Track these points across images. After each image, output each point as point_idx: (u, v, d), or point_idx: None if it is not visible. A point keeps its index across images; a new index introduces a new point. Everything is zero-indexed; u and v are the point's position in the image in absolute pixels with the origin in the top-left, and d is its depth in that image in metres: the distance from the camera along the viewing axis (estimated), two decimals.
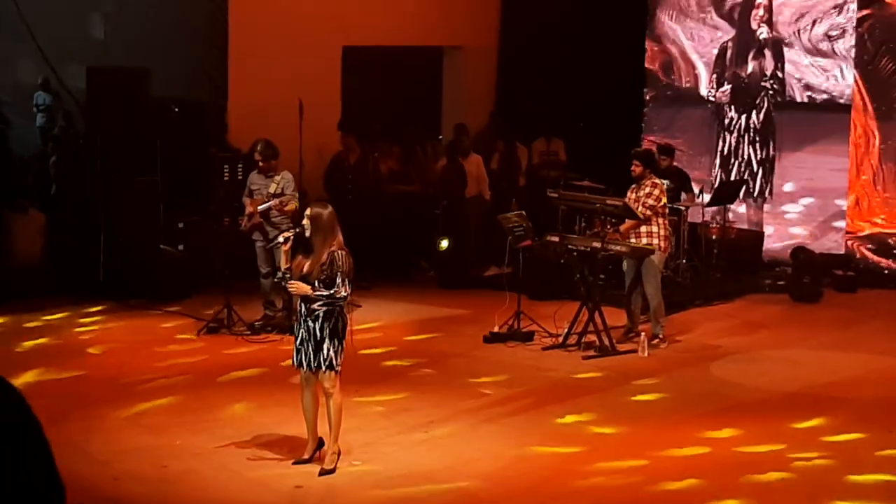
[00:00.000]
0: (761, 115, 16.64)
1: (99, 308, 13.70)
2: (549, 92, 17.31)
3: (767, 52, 16.52)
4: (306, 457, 9.06)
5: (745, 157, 16.74)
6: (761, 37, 16.52)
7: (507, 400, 10.82)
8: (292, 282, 8.82)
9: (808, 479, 9.03)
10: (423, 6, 17.30)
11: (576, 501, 8.65)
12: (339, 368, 8.80)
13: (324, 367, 8.77)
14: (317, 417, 9.05)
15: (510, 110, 17.82)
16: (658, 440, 9.78)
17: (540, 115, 17.26)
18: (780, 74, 16.45)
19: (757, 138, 16.69)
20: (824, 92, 16.12)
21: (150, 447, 9.44)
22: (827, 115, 16.09)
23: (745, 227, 16.46)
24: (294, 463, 9.04)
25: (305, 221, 8.81)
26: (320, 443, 9.08)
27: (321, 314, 8.71)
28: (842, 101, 15.95)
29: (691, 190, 15.05)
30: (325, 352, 8.75)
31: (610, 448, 9.67)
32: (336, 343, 8.76)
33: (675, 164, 15.12)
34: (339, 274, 8.66)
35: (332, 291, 8.64)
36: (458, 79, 18.26)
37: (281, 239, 9.00)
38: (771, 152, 16.57)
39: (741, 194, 16.35)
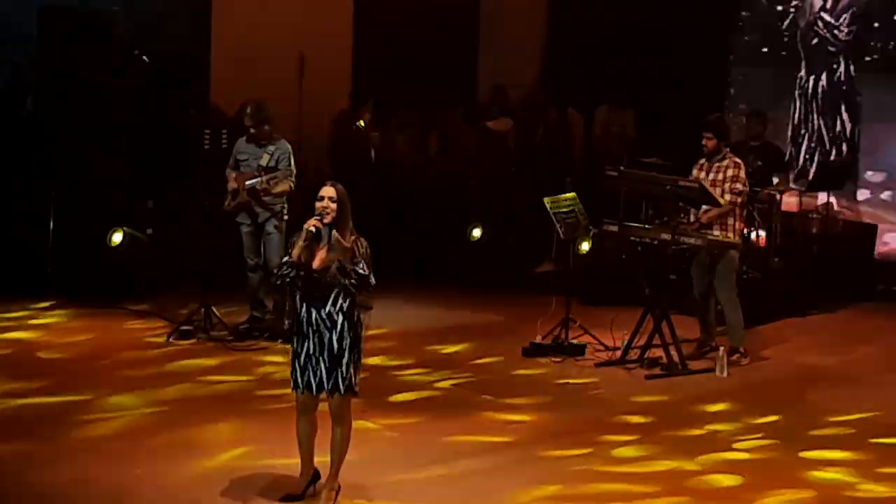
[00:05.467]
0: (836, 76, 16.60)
1: (46, 305, 13.81)
2: (613, 47, 17.23)
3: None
4: (297, 493, 9.04)
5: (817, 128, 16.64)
6: None
7: (550, 428, 10.79)
8: (311, 222, 8.47)
9: None
10: None
11: None
12: (357, 389, 8.73)
13: (342, 390, 8.67)
14: (314, 446, 9.02)
15: (563, 69, 17.76)
16: (740, 483, 9.70)
17: (601, 75, 17.19)
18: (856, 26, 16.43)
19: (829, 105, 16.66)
20: None
21: (106, 478, 9.35)
22: None
23: (853, 217, 16.33)
24: (282, 500, 9.02)
25: (326, 204, 8.59)
26: (315, 475, 9.05)
27: (341, 320, 8.60)
28: None
29: (785, 170, 14.93)
30: (345, 369, 8.65)
31: (678, 493, 9.53)
32: (356, 358, 8.69)
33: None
34: (363, 263, 8.54)
35: (364, 272, 8.49)
36: (499, 27, 18.20)
37: (312, 230, 8.68)
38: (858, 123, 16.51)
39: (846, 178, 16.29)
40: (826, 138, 16.56)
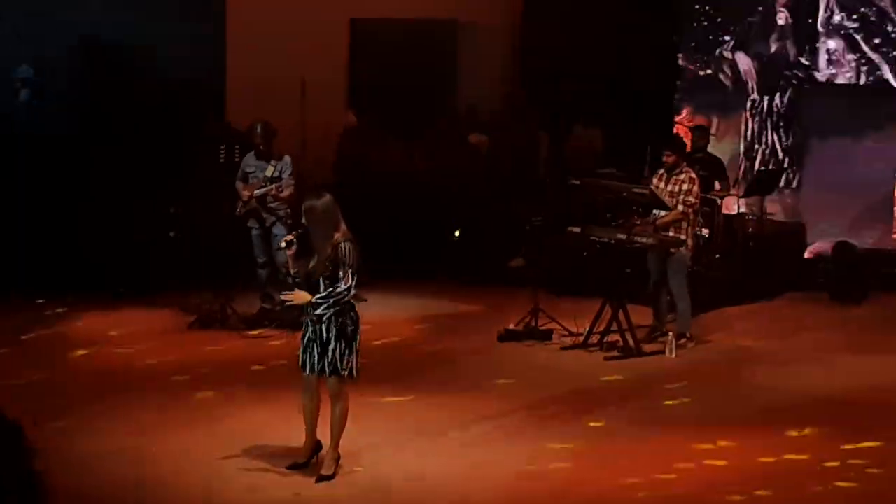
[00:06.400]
0: (785, 98, 16.45)
1: (82, 297, 13.73)
2: (579, 71, 17.20)
3: (794, 30, 16.33)
4: (302, 461, 9.06)
5: (771, 143, 16.53)
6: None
7: (522, 404, 10.78)
8: (287, 294, 8.76)
9: (849, 495, 8.99)
10: None
11: None
12: (345, 373, 8.74)
13: (328, 371, 8.72)
14: (317, 420, 9.03)
15: (531, 91, 17.72)
16: (684, 450, 9.72)
17: (565, 100, 17.15)
18: (808, 56, 16.29)
19: (781, 123, 16.53)
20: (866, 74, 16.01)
21: (135, 448, 9.39)
22: (872, 98, 15.94)
23: (783, 218, 16.30)
24: (288, 467, 9.03)
25: (304, 218, 8.72)
26: (318, 446, 9.07)
27: (329, 314, 8.61)
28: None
29: (726, 178, 14.94)
30: (331, 354, 8.69)
31: (631, 459, 9.57)
32: (342, 345, 8.68)
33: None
34: (342, 266, 8.55)
35: (331, 289, 8.55)
36: (475, 57, 18.14)
37: (283, 244, 8.82)
38: (804, 139, 16.39)
39: (781, 184, 16.22)
40: (780, 151, 16.49)
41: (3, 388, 10.54)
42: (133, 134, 14.43)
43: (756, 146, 16.66)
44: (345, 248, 8.55)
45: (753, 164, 16.64)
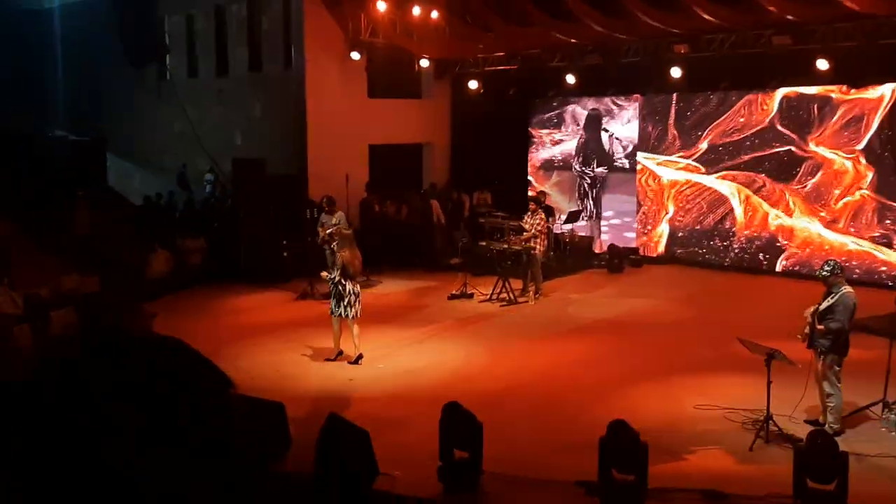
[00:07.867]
0: (597, 176, 16.45)
1: (240, 287, 13.51)
2: (479, 166, 17.25)
3: (606, 143, 16.37)
4: (332, 358, 9.16)
5: (593, 198, 16.53)
6: (605, 134, 16.23)
7: (460, 328, 10.85)
8: (322, 272, 9.09)
9: (615, 369, 9.11)
10: (411, 120, 17.14)
11: (497, 381, 8.70)
12: (348, 316, 8.88)
13: (343, 315, 8.98)
14: (339, 337, 9.15)
15: (459, 173, 17.76)
16: (537, 346, 9.86)
17: (474, 178, 17.20)
18: (610, 155, 16.27)
19: (594, 188, 16.58)
20: (624, 160, 16.09)
21: (270, 360, 9.41)
22: (625, 174, 16.05)
23: (585, 234, 16.34)
24: (326, 359, 9.11)
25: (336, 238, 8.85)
26: (340, 352, 9.22)
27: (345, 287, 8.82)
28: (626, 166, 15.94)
29: (554, 216, 15.03)
30: (343, 307, 8.91)
31: (515, 353, 9.72)
32: (345, 303, 8.84)
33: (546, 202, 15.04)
34: (342, 266, 8.76)
35: (336, 275, 8.78)
36: (431, 161, 18.19)
37: (334, 247, 8.97)
38: (601, 195, 16.46)
39: (582, 218, 16.30)
40: (600, 204, 16.34)
41: (211, 330, 10.42)
42: (263, 206, 14.39)
43: (593, 205, 16.38)
44: (345, 256, 8.75)
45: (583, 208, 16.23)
